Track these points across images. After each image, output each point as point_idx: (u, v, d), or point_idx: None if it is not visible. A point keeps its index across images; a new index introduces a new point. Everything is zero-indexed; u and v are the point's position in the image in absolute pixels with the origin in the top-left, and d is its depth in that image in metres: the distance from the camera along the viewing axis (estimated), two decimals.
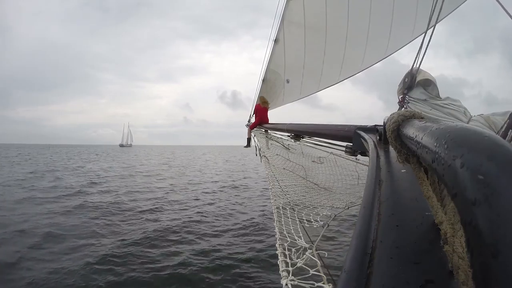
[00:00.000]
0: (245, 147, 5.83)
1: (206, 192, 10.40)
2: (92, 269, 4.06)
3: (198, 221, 6.57)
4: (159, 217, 6.89)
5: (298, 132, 3.21)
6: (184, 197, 9.42)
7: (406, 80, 3.13)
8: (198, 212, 7.37)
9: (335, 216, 1.51)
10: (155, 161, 30.23)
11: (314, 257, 0.83)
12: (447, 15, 3.64)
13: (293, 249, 0.89)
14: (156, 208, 7.74)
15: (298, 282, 0.69)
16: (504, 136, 2.18)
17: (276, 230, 1.04)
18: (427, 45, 2.77)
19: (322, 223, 1.28)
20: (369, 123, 1.49)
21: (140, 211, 7.39)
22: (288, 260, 0.80)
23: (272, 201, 1.42)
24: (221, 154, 51.46)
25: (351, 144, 1.60)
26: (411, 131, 0.45)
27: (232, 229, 6.16)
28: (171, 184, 12.20)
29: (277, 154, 3.49)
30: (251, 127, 5.54)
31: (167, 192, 10.22)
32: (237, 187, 11.71)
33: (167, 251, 4.81)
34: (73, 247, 4.85)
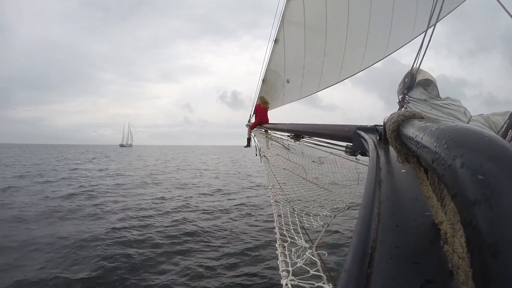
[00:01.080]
0: (245, 147, 5.83)
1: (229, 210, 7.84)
2: None
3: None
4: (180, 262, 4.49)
5: (298, 132, 3.21)
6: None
7: (406, 80, 3.14)
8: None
9: (335, 216, 1.51)
10: (159, 163, 26.56)
11: (314, 257, 0.83)
12: (447, 15, 3.64)
13: (293, 249, 0.88)
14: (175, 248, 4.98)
15: (298, 282, 0.69)
16: (504, 136, 2.18)
17: (276, 230, 1.04)
18: (427, 45, 2.77)
19: (322, 223, 1.28)
20: (371, 123, 1.49)
21: (150, 247, 4.94)
22: (288, 260, 0.80)
23: (272, 201, 1.42)
24: (225, 155, 48.15)
25: (351, 144, 1.60)
26: (411, 131, 0.45)
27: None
28: (187, 203, 8.59)
29: (277, 154, 3.49)
30: (251, 127, 5.54)
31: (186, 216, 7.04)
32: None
33: None
34: None
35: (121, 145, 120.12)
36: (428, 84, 3.04)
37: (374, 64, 5.29)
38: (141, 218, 6.75)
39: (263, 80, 5.80)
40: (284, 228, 1.08)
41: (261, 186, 11.58)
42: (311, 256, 0.83)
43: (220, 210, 7.90)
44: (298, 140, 3.35)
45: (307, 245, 0.90)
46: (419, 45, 2.83)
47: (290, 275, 0.72)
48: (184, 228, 6.08)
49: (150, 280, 3.88)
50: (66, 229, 5.82)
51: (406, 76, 3.16)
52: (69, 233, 5.57)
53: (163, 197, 9.40)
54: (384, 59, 5.13)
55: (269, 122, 5.47)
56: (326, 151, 3.35)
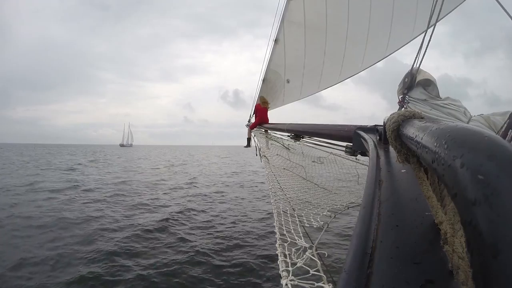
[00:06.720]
0: (245, 147, 5.85)
1: None
2: None
3: None
4: None
5: (298, 132, 3.22)
6: None
7: (406, 80, 3.13)
8: None
9: (335, 216, 1.51)
10: (164, 170, 19.59)
11: (314, 257, 0.83)
12: (446, 14, 3.64)
13: (293, 249, 0.88)
14: None
15: (298, 282, 0.69)
16: (504, 136, 2.18)
17: (276, 230, 1.04)
18: (427, 45, 2.77)
19: (322, 223, 1.28)
20: (372, 122, 1.49)
21: None
22: (288, 260, 0.80)
23: (272, 201, 1.42)
24: (230, 156, 43.95)
25: (351, 144, 1.60)
26: (411, 131, 0.45)
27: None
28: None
29: (277, 154, 3.49)
30: (251, 127, 5.55)
31: None
32: None
33: None
34: None
35: (121, 145, 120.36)
36: (428, 84, 3.03)
37: (376, 64, 5.29)
38: None
39: (263, 80, 5.81)
40: (284, 228, 1.08)
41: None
42: (311, 256, 0.83)
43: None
44: (298, 140, 3.35)
45: (307, 245, 0.90)
46: (419, 44, 2.83)
47: (290, 275, 0.72)
48: None
49: None
50: None
51: (406, 76, 3.16)
52: None
53: None
54: (387, 58, 5.14)
55: (269, 122, 5.48)
56: (326, 151, 3.35)
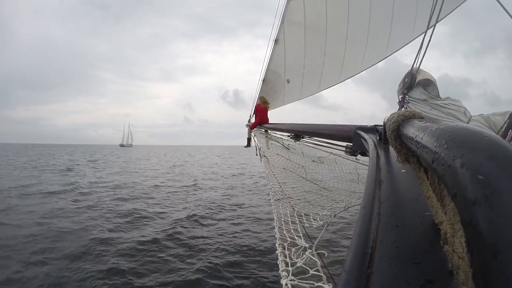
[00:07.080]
0: (245, 147, 5.86)
1: None
2: None
3: None
4: None
5: (298, 132, 3.22)
6: None
7: (406, 80, 3.13)
8: None
9: (335, 216, 1.51)
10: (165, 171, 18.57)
11: (314, 257, 0.83)
12: (447, 15, 3.65)
13: (293, 249, 0.88)
14: None
15: (298, 282, 0.69)
16: (504, 136, 2.19)
17: (276, 230, 1.04)
18: (427, 45, 2.77)
19: (322, 223, 1.28)
20: (372, 122, 1.49)
21: None
22: (288, 260, 0.80)
23: (272, 201, 1.42)
24: (233, 156, 41.90)
25: (351, 144, 1.61)
26: (411, 131, 0.45)
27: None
28: None
29: (277, 154, 3.49)
30: (251, 127, 5.56)
31: None
32: None
33: None
34: None
35: (121, 145, 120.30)
36: (428, 84, 3.04)
37: (376, 64, 5.30)
38: None
39: (263, 80, 5.82)
40: (284, 228, 1.08)
41: None
42: (311, 256, 0.83)
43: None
44: (298, 140, 3.36)
45: (307, 245, 0.90)
46: (419, 45, 2.83)
47: (290, 275, 0.72)
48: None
49: None
50: None
51: (406, 76, 3.16)
52: None
53: None
54: (387, 58, 5.14)
55: (269, 122, 5.48)
56: (326, 151, 3.35)
